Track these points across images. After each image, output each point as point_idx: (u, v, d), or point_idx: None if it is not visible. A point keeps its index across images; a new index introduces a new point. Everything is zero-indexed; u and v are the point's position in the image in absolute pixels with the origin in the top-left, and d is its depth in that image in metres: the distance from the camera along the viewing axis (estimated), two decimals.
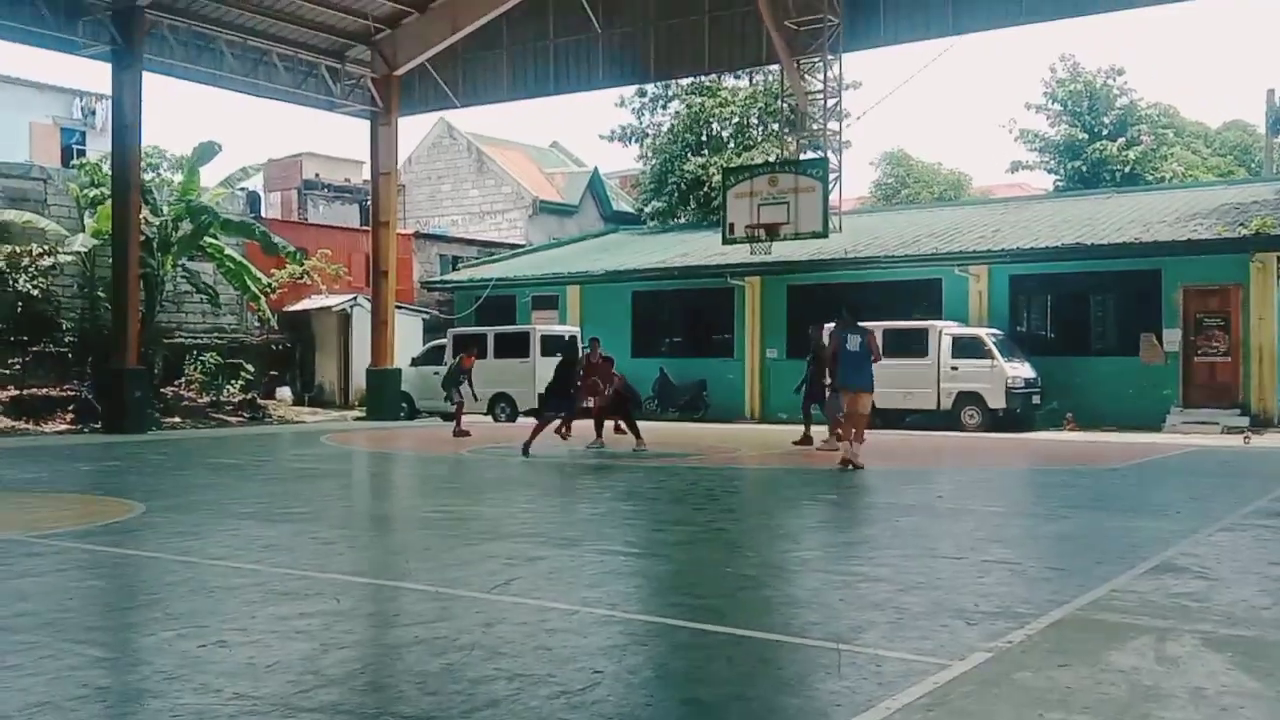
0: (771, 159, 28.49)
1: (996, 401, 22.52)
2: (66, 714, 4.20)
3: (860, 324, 14.62)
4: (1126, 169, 37.72)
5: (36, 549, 8.07)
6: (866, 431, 14.42)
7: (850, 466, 13.70)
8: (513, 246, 38.87)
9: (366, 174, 32.52)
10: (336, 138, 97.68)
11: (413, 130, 43.82)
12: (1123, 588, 6.54)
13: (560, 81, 27.03)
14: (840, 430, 15.14)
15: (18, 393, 23.16)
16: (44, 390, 23.87)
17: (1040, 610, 5.89)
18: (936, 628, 5.54)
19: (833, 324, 15.91)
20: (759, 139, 36.28)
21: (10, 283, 24.05)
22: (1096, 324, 24.89)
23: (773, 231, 23.58)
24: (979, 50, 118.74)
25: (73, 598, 6.56)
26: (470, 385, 22.21)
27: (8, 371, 23.68)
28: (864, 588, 6.57)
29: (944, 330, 23.29)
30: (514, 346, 26.41)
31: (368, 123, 28.21)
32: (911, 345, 23.16)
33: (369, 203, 31.42)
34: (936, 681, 4.56)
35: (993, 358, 22.59)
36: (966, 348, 22.97)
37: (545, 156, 47.41)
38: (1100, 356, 24.07)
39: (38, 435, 21.06)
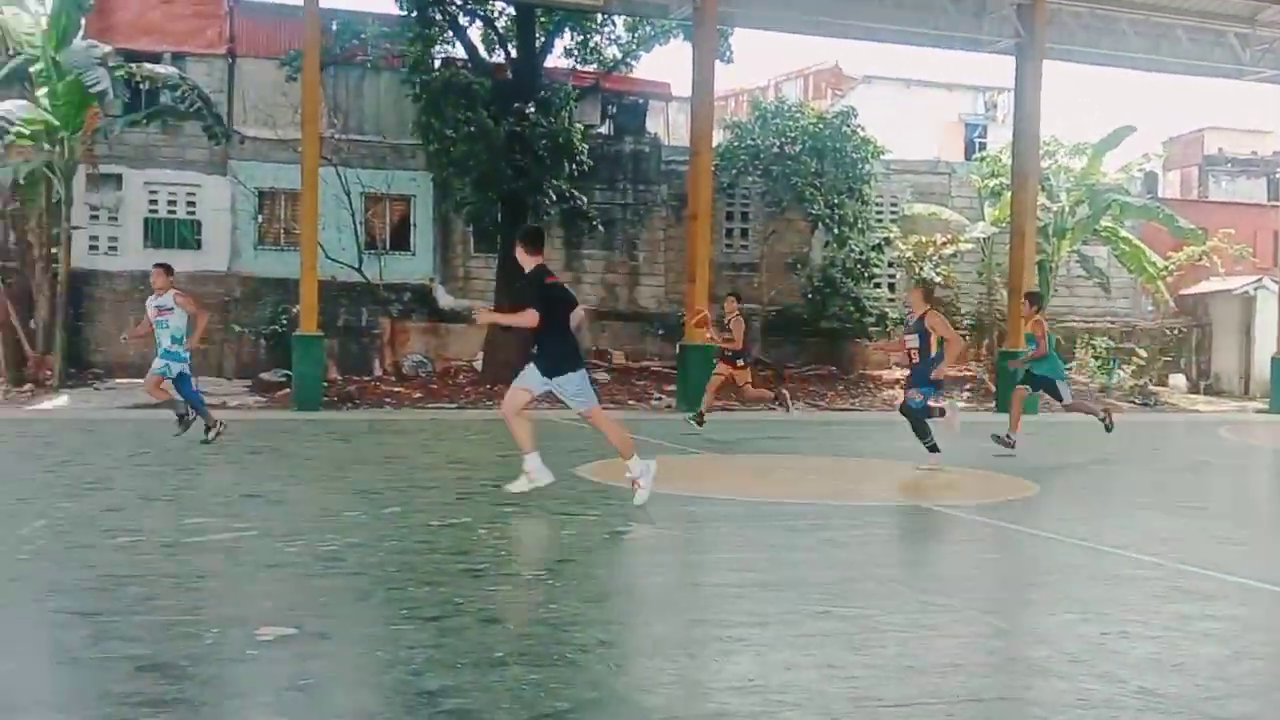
0: None
1: None
2: (974, 678, 4.48)
3: None
4: None
5: (941, 519, 8.72)
6: None
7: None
8: None
9: (1277, 144, 29.76)
10: (1238, 108, 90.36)
11: None
12: None
13: None
14: None
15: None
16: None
17: None
18: None
19: None
20: None
21: (916, 269, 26.29)
22: None
23: None
24: None
25: (977, 567, 6.98)
26: None
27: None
28: None
29: None
30: None
31: (1278, 88, 25.76)
32: None
33: (1277, 175, 28.75)
34: None
35: None
36: None
37: None
38: None
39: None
